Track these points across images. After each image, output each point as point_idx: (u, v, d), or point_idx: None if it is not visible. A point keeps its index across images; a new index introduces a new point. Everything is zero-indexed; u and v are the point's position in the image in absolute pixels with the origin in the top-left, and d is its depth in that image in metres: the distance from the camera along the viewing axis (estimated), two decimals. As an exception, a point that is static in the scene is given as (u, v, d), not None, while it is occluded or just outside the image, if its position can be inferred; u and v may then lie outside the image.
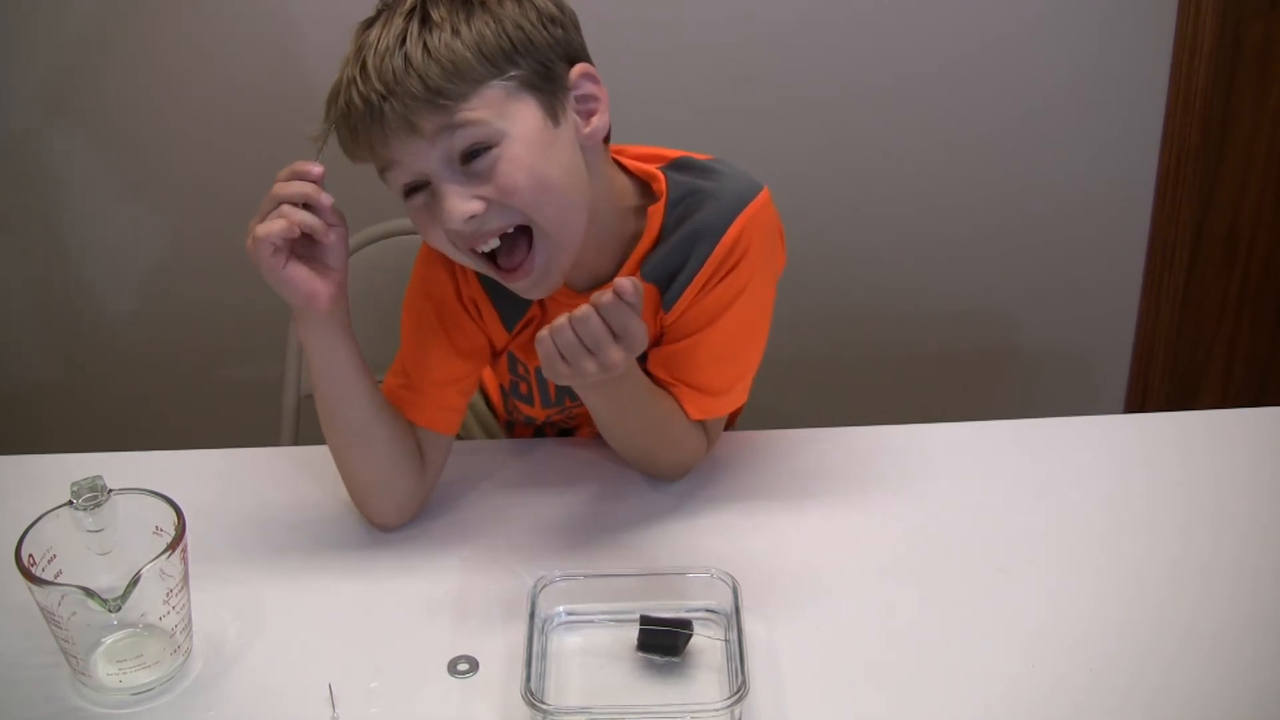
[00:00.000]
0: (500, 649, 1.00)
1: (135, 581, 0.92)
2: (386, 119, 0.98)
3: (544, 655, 0.99)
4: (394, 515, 1.15)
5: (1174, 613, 1.03)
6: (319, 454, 1.16)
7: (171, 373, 2.03)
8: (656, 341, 1.17)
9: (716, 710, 0.92)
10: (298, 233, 1.00)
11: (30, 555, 0.94)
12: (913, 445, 1.25)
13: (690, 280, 1.12)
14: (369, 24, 1.02)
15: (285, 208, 1.00)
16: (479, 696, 0.97)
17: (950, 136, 1.90)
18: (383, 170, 1.03)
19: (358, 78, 0.99)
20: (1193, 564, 1.08)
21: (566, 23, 1.05)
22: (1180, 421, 1.31)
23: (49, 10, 1.76)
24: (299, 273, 1.03)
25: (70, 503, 0.98)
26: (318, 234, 1.02)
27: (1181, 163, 1.94)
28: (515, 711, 0.93)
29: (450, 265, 1.16)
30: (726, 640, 1.00)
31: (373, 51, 0.99)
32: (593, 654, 1.00)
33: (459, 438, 1.22)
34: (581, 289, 1.13)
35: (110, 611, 0.92)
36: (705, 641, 1.00)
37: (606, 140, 1.11)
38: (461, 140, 0.99)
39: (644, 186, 1.14)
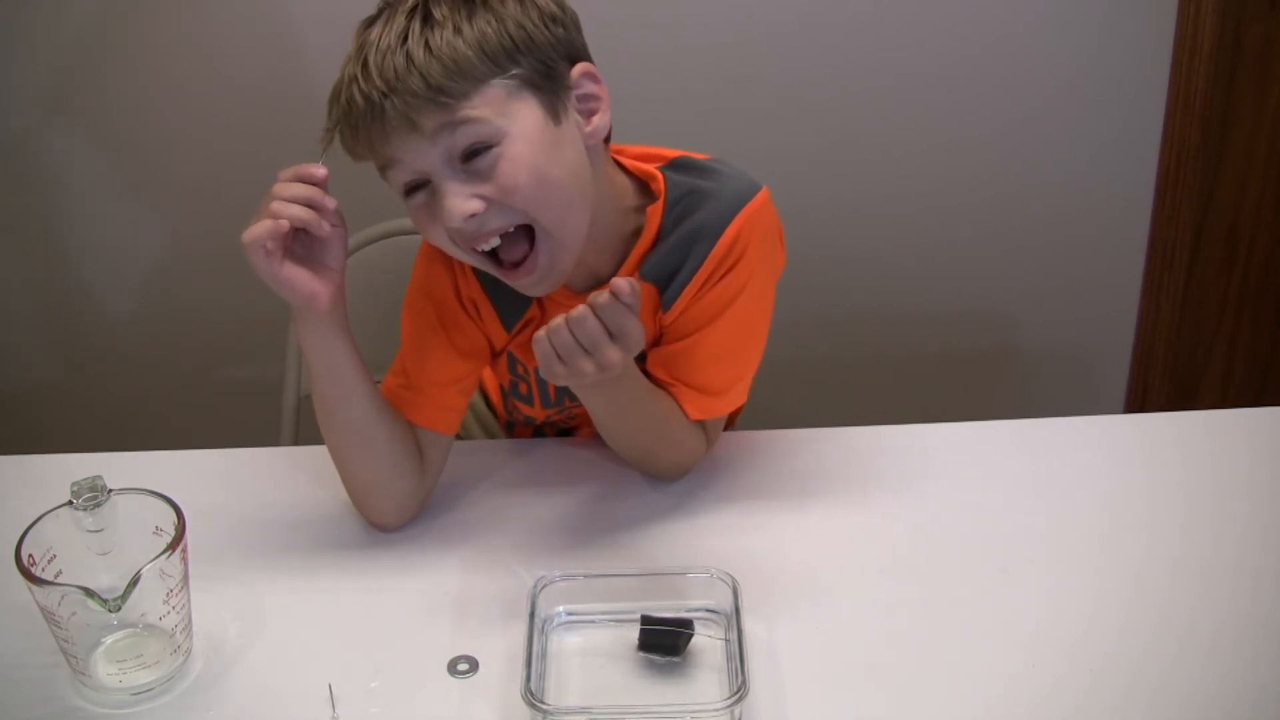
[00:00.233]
0: (500, 649, 1.00)
1: (135, 581, 0.92)
2: (387, 117, 0.98)
3: (544, 655, 0.99)
4: (394, 515, 1.15)
5: (1174, 613, 1.03)
6: (319, 454, 1.16)
7: (171, 373, 2.03)
8: (656, 341, 1.17)
9: (716, 710, 0.92)
10: (285, 227, 0.99)
11: (30, 555, 0.94)
12: (913, 445, 1.25)
13: (689, 280, 1.12)
14: (370, 22, 1.02)
15: (275, 206, 1.00)
16: (479, 696, 0.97)
17: (950, 136, 1.90)
18: (383, 169, 1.03)
19: (359, 76, 0.99)
20: (1193, 564, 1.08)
21: (568, 22, 1.05)
22: (1180, 421, 1.31)
23: (49, 10, 1.76)
24: (298, 274, 1.03)
25: (70, 503, 0.98)
26: (312, 228, 1.01)
27: (1181, 163, 1.94)
28: (515, 711, 0.93)
29: (450, 264, 1.16)
30: (726, 640, 1.00)
31: (374, 49, 0.99)
32: (593, 654, 1.00)
33: (459, 438, 1.22)
34: (580, 289, 1.13)
35: (110, 611, 0.92)
36: (705, 641, 1.00)
37: (607, 140, 1.11)
38: (462, 139, 0.99)
39: (643, 186, 1.15)
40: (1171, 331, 2.08)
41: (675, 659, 0.98)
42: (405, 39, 0.98)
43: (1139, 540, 1.11)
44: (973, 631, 1.02)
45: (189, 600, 0.99)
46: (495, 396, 1.42)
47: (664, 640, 0.98)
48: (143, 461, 1.24)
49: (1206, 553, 1.10)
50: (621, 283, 0.95)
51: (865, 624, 1.03)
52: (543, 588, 1.02)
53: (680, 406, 1.15)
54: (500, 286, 1.14)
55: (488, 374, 1.35)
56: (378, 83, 0.98)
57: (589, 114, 1.06)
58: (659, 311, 1.14)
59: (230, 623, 1.05)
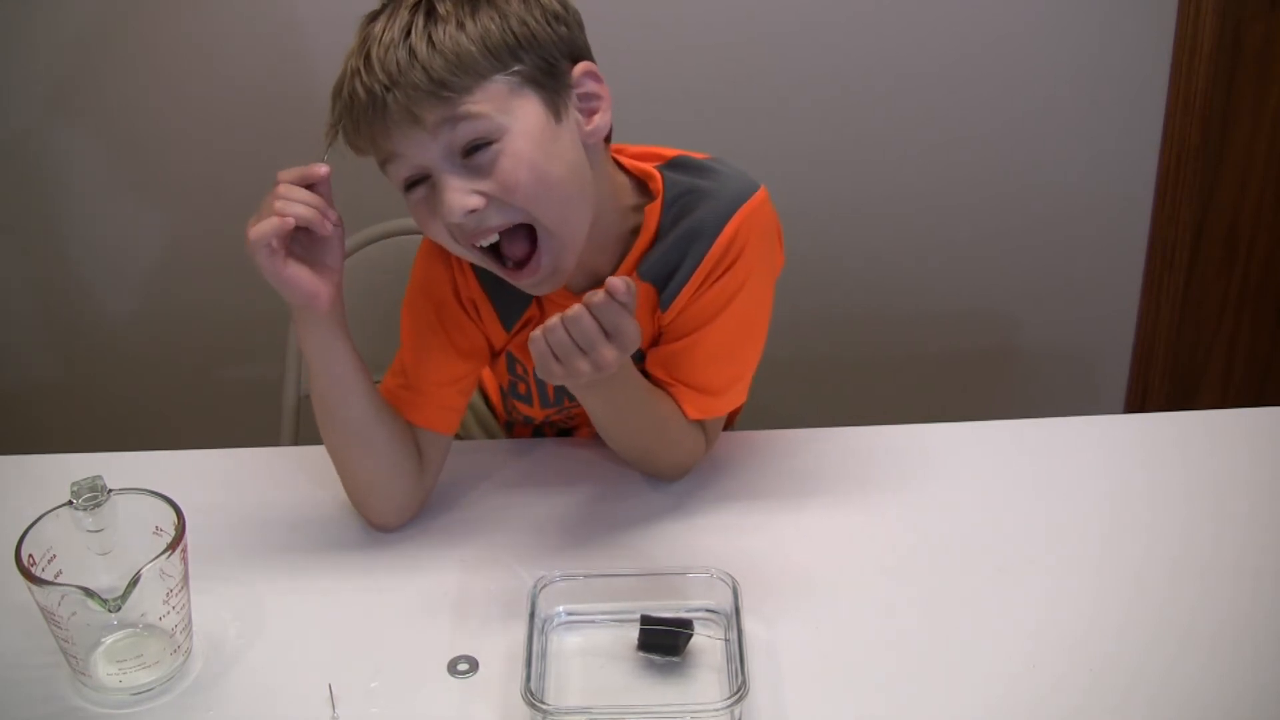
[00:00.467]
0: (500, 649, 1.00)
1: (135, 581, 0.92)
2: (389, 110, 0.98)
3: (544, 655, 0.98)
4: (393, 516, 1.15)
5: (1174, 613, 1.03)
6: (319, 454, 1.16)
7: (171, 373, 2.03)
8: (654, 341, 1.17)
9: (716, 710, 0.92)
10: (291, 225, 1.00)
11: (30, 555, 0.94)
12: (913, 445, 1.25)
13: (687, 279, 1.12)
14: (374, 17, 1.02)
15: (279, 204, 1.00)
16: (479, 696, 0.97)
17: (950, 136, 1.90)
18: (384, 163, 1.03)
19: (361, 69, 0.99)
20: (1193, 564, 1.08)
21: (571, 21, 1.05)
22: (1180, 421, 1.31)
23: (49, 10, 1.76)
24: (300, 273, 1.03)
25: (70, 503, 0.98)
26: (315, 226, 1.01)
27: (1181, 163, 1.94)
28: (515, 711, 0.93)
29: (449, 264, 1.16)
30: (726, 640, 1.00)
31: (377, 43, 0.99)
32: (593, 654, 1.00)
33: (459, 437, 1.22)
34: (579, 289, 1.13)
35: (110, 611, 0.92)
36: (705, 641, 1.00)
37: (608, 140, 1.11)
38: (463, 134, 0.99)
39: (641, 185, 1.15)
40: (1171, 331, 2.08)
41: (675, 659, 0.98)
42: (409, 33, 0.98)
43: (1139, 540, 1.11)
44: (973, 631, 1.02)
45: (189, 600, 0.99)
46: (495, 397, 1.42)
47: (664, 640, 0.98)
48: (143, 461, 1.24)
49: (1206, 553, 1.10)
50: (617, 281, 0.95)
51: (865, 624, 1.03)
52: (543, 588, 1.02)
53: (679, 406, 1.15)
54: (500, 286, 1.14)
55: (487, 374, 1.35)
56: (380, 76, 0.98)
57: (590, 113, 1.06)
58: (657, 311, 1.14)
59: (230, 623, 1.05)
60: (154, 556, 0.94)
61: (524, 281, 1.07)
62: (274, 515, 1.18)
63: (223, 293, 1.93)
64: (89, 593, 0.91)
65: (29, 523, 0.96)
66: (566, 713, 0.95)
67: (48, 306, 2.00)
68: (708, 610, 1.02)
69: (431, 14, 0.99)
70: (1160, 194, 1.96)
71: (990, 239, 1.97)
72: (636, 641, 0.98)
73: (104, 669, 0.98)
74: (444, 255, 1.16)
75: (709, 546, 1.11)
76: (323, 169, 1.02)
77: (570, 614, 1.03)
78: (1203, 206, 2.00)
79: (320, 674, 0.98)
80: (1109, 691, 0.96)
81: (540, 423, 1.31)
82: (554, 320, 0.97)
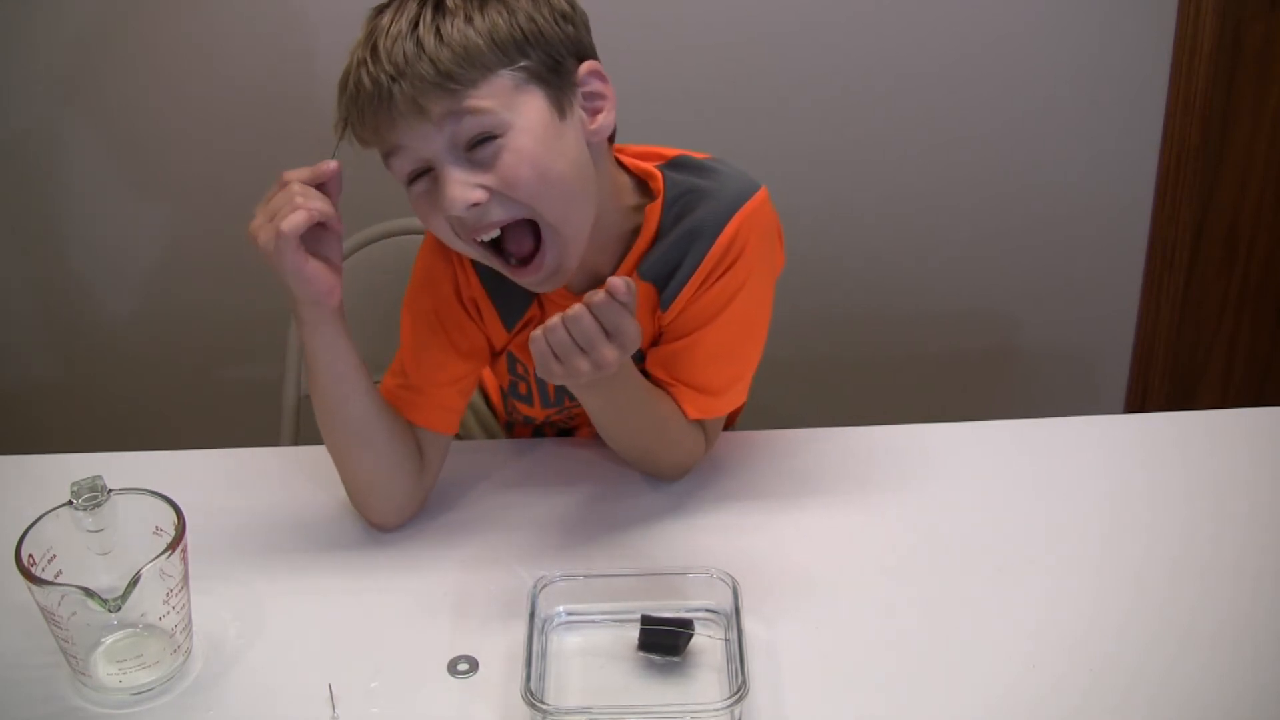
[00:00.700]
0: (500, 649, 1.00)
1: (135, 581, 0.92)
2: (395, 101, 0.98)
3: (544, 655, 0.98)
4: (393, 515, 1.15)
5: (1174, 613, 1.03)
6: (319, 454, 1.16)
7: (171, 373, 2.03)
8: (655, 341, 1.17)
9: (716, 710, 0.92)
10: (318, 217, 1.01)
11: (30, 555, 0.94)
12: (913, 445, 1.25)
13: (687, 279, 1.12)
14: (381, 10, 1.02)
15: (298, 199, 1.00)
16: (479, 696, 0.97)
17: (950, 136, 1.90)
18: (388, 155, 1.03)
19: (368, 60, 0.99)
20: (1193, 564, 1.08)
21: (578, 21, 1.05)
22: (1180, 421, 1.31)
23: (49, 10, 1.76)
24: (319, 268, 1.03)
25: (70, 503, 0.98)
26: (331, 221, 1.02)
27: (1181, 163, 1.94)
28: (515, 711, 0.93)
29: (451, 263, 1.16)
30: (726, 640, 1.00)
31: (384, 35, 0.99)
32: (593, 654, 1.00)
33: (459, 437, 1.22)
34: (580, 288, 1.13)
35: (110, 611, 0.92)
36: (705, 641, 1.00)
37: (611, 140, 1.11)
38: (468, 127, 0.99)
39: (642, 185, 1.15)
40: (1171, 331, 2.08)
41: (675, 659, 0.98)
42: (417, 25, 0.99)
43: (1139, 540, 1.11)
44: (973, 631, 1.02)
45: (189, 600, 0.99)
46: (495, 397, 1.42)
47: (664, 640, 0.98)
48: (143, 461, 1.24)
49: (1206, 553, 1.10)
50: (617, 281, 0.95)
51: (865, 624, 1.03)
52: (543, 588, 1.02)
53: (679, 406, 1.15)
54: (501, 286, 1.14)
55: (488, 374, 1.35)
56: (387, 67, 0.98)
57: (594, 112, 1.06)
58: (657, 310, 1.14)
59: (230, 623, 1.05)
60: (154, 556, 0.94)
61: (527, 279, 1.07)
62: (274, 515, 1.18)
63: (223, 293, 1.93)
64: (89, 593, 0.91)
65: (29, 523, 0.96)
66: (566, 713, 0.95)
67: (48, 306, 2.00)
68: (708, 610, 1.02)
69: (440, 7, 0.99)
70: (1160, 194, 1.96)
71: (990, 239, 1.97)
72: (636, 641, 0.98)
73: (104, 669, 0.98)
74: (446, 254, 1.16)
75: (709, 546, 1.11)
76: (333, 165, 1.02)
77: (570, 614, 1.03)
78: (1203, 206, 2.00)
79: (320, 674, 0.98)
80: (1109, 691, 0.95)
81: (541, 423, 1.31)
82: (554, 320, 0.97)
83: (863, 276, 1.99)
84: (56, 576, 0.95)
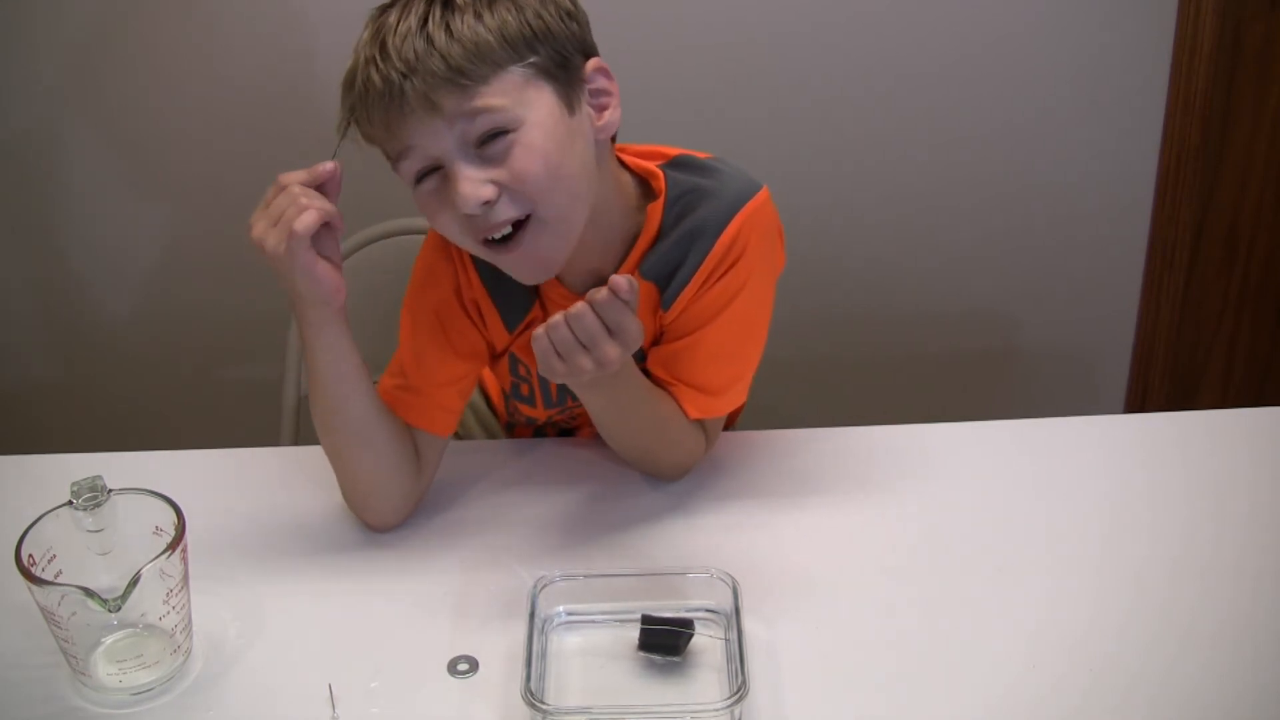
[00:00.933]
0: (500, 649, 1.00)
1: (135, 581, 0.92)
2: (406, 98, 0.98)
3: (544, 655, 0.98)
4: (391, 516, 1.15)
5: (1174, 613, 1.03)
6: (319, 454, 1.16)
7: (171, 373, 2.03)
8: (656, 340, 1.17)
9: (716, 710, 0.92)
10: (325, 218, 1.01)
11: (30, 555, 0.94)
12: (913, 445, 1.25)
13: (689, 278, 1.12)
14: (385, 9, 1.02)
15: (303, 200, 1.00)
16: (479, 696, 0.97)
17: (950, 137, 1.90)
18: (397, 157, 1.03)
19: (377, 57, 0.99)
20: (1193, 564, 1.08)
21: (581, 19, 1.06)
22: (1180, 421, 1.31)
23: (49, 11, 1.76)
24: (327, 268, 1.03)
25: (70, 503, 0.98)
26: (335, 221, 1.02)
27: (1181, 163, 1.94)
28: (515, 711, 0.93)
29: (453, 265, 1.16)
30: (726, 640, 1.00)
31: (393, 33, 0.99)
32: (593, 654, 1.00)
33: (459, 437, 1.22)
34: (581, 289, 1.13)
35: (110, 611, 0.92)
36: (705, 641, 1.00)
37: (613, 139, 1.11)
38: (480, 125, 0.99)
39: (644, 184, 1.15)
40: (1171, 331, 2.08)
41: (675, 659, 0.98)
42: (426, 22, 0.98)
43: (1139, 540, 1.11)
44: (973, 631, 1.02)
45: (189, 600, 0.99)
46: (496, 398, 1.42)
47: (664, 640, 0.98)
48: (143, 461, 1.24)
49: (1206, 553, 1.10)
50: (620, 279, 0.96)
51: (865, 624, 1.03)
52: (543, 588, 1.02)
53: (680, 406, 1.15)
54: (502, 287, 1.14)
55: (488, 375, 1.35)
56: (397, 64, 0.98)
57: (600, 109, 1.06)
58: (659, 310, 1.14)
59: (230, 623, 1.05)
60: (154, 556, 0.94)
61: (509, 256, 1.06)
62: (274, 515, 1.18)
63: (223, 293, 1.93)
64: (89, 593, 0.91)
65: (29, 523, 0.96)
66: (566, 713, 0.95)
67: (48, 306, 2.00)
68: (708, 610, 1.02)
69: (449, 4, 0.99)
70: (1160, 194, 1.96)
71: (990, 239, 1.97)
72: (636, 641, 0.98)
73: (104, 669, 0.98)
74: (448, 254, 1.16)
75: (709, 546, 1.11)
76: (329, 166, 1.02)
77: (570, 614, 1.03)
78: (1203, 206, 1.99)
79: (320, 674, 0.98)
80: (1109, 691, 0.96)
81: (542, 423, 1.31)
82: (557, 318, 0.97)
83: (863, 276, 1.99)
84: (56, 576, 0.95)
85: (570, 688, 0.97)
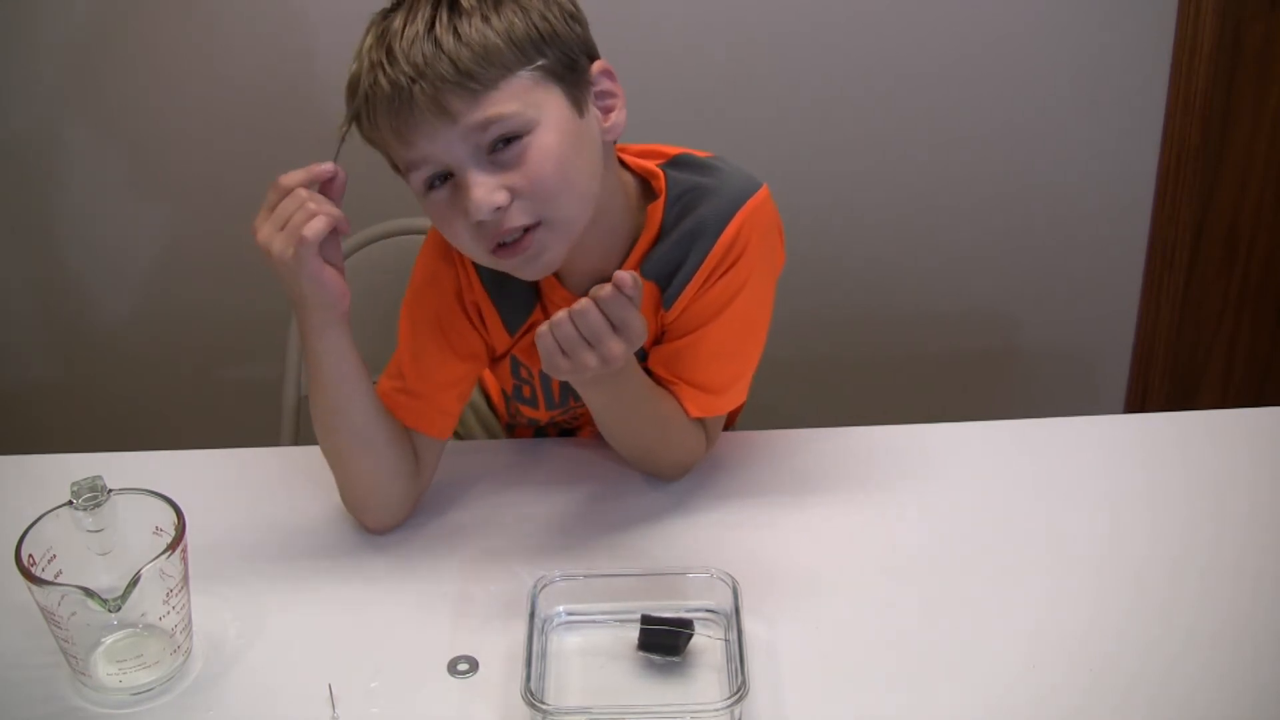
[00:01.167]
0: (500, 649, 1.00)
1: (135, 581, 0.92)
2: (415, 102, 0.97)
3: (544, 655, 0.98)
4: (389, 518, 1.15)
5: (1174, 613, 1.03)
6: (319, 454, 1.16)
7: (171, 373, 2.03)
8: (657, 340, 1.17)
9: (716, 710, 0.92)
10: (334, 225, 1.01)
11: (30, 555, 0.94)
12: (913, 445, 1.25)
13: (690, 277, 1.12)
14: (388, 13, 1.02)
15: (311, 205, 1.00)
16: (479, 696, 0.97)
17: (950, 137, 1.90)
18: (407, 166, 1.02)
19: (384, 62, 0.98)
20: (1193, 564, 1.08)
21: (583, 21, 1.06)
22: (1180, 421, 1.31)
23: (50, 11, 1.76)
24: (333, 273, 1.03)
25: (70, 503, 0.98)
26: (342, 226, 1.02)
27: (1181, 163, 1.94)
28: (515, 711, 0.93)
29: (454, 267, 1.16)
30: (726, 640, 1.00)
31: (399, 37, 0.98)
32: (593, 654, 1.00)
33: (460, 437, 1.22)
34: (583, 291, 1.13)
35: (110, 611, 0.92)
36: (705, 641, 1.00)
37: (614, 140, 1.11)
38: (493, 134, 0.99)
39: (644, 184, 1.15)
40: (1171, 331, 2.08)
41: (675, 659, 0.98)
42: (433, 26, 0.98)
43: (1139, 540, 1.11)
44: (973, 631, 1.02)
45: (189, 600, 0.99)
46: (497, 399, 1.42)
47: (664, 640, 0.98)
48: (143, 461, 1.24)
49: (1206, 553, 1.10)
50: (623, 275, 0.96)
51: (865, 624, 1.03)
52: (543, 588, 1.02)
53: (681, 405, 1.15)
54: (504, 290, 1.14)
55: (488, 376, 1.35)
56: (405, 68, 0.97)
57: (606, 111, 1.06)
58: (660, 309, 1.14)
59: (230, 623, 1.05)
60: (154, 556, 0.94)
61: (512, 261, 1.05)
62: (274, 515, 1.18)
63: (223, 293, 1.93)
64: (89, 593, 0.91)
65: (29, 523, 0.96)
66: (566, 713, 0.95)
67: (48, 306, 2.00)
68: (708, 610, 1.02)
69: (455, 8, 0.99)
70: (1160, 194, 1.96)
71: (990, 239, 1.97)
72: (636, 641, 0.98)
73: (104, 669, 0.98)
74: (449, 257, 1.16)
75: (709, 546, 1.11)
76: (327, 166, 1.02)
77: (570, 614, 1.03)
78: (1203, 206, 1.99)
79: (320, 674, 0.98)
80: (1109, 691, 0.96)
81: (544, 424, 1.31)
82: (561, 315, 0.97)
83: (863, 276, 1.99)
84: (56, 576, 0.95)
85: (570, 688, 0.97)
